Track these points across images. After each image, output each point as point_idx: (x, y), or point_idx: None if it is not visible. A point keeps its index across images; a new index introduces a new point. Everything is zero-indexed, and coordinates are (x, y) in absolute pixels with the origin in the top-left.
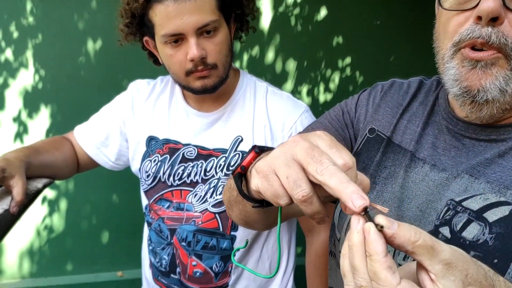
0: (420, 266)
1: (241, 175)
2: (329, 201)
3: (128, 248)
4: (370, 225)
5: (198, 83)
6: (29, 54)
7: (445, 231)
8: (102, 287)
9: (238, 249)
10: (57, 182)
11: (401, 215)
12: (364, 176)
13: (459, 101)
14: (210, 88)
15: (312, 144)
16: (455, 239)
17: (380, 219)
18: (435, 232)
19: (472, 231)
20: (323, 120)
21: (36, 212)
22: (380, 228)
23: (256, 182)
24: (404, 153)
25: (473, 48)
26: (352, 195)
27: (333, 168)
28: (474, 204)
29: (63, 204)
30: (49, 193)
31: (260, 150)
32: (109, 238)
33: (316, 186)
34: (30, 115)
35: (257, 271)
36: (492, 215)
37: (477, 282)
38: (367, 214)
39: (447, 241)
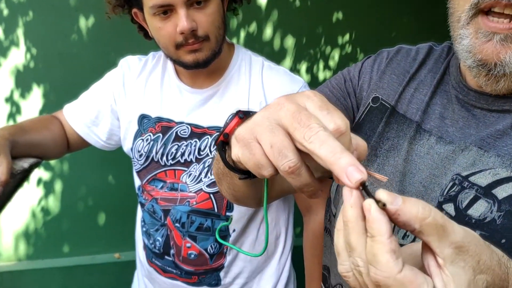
0: (426, 248)
1: (224, 144)
2: (328, 177)
3: (125, 229)
4: (370, 202)
5: (189, 57)
6: (20, 32)
7: (449, 208)
8: (99, 269)
9: (222, 226)
10: (51, 163)
11: (403, 190)
12: (359, 140)
13: (473, 72)
14: (202, 62)
15: (299, 106)
16: (460, 217)
17: (381, 194)
18: (438, 210)
19: (479, 209)
20: (323, 89)
21: (31, 193)
22: (382, 206)
23: (236, 151)
24: (409, 124)
25: (490, 12)
26: (347, 167)
27: (324, 134)
28: (482, 180)
29: (58, 186)
30: (43, 174)
31: (244, 115)
32: (105, 220)
33: (305, 155)
34: (22, 95)
35: (253, 253)
36: (502, 192)
37: (489, 269)
38: (364, 188)
39: (450, 219)
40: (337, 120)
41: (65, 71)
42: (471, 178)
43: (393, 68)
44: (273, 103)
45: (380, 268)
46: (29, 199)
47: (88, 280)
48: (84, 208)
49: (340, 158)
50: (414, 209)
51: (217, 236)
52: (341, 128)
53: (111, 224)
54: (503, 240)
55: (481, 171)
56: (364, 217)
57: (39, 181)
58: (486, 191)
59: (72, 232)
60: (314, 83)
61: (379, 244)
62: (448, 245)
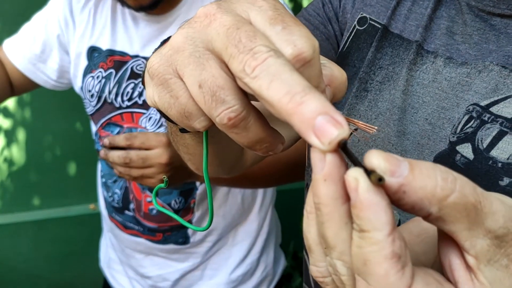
0: (447, 241)
1: None
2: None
3: None
4: (357, 174)
5: (131, 1)
6: None
7: (466, 149)
8: (74, 221)
9: (159, 188)
10: (11, 109)
11: (404, 131)
12: (334, 68)
13: None
14: (147, 5)
15: (239, 18)
16: (481, 161)
17: (374, 158)
18: (450, 153)
19: (507, 148)
20: (298, 19)
21: None
22: (377, 180)
23: (151, 93)
24: (407, 46)
25: None
26: (315, 118)
27: (275, 63)
28: (509, 109)
29: (21, 135)
30: (3, 122)
31: None
32: (77, 170)
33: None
34: None
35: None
36: None
37: None
38: (345, 149)
39: (468, 164)
40: (298, 40)
41: (18, 7)
42: (493, 109)
43: None
44: (198, 14)
45: (374, 284)
46: None
47: (62, 233)
48: (52, 158)
49: (302, 104)
50: (429, 182)
51: (153, 201)
52: (304, 53)
53: (83, 174)
54: None
55: (506, 98)
56: (346, 198)
57: None
58: None
59: (42, 183)
60: (297, 10)
61: (373, 245)
62: (483, 234)
